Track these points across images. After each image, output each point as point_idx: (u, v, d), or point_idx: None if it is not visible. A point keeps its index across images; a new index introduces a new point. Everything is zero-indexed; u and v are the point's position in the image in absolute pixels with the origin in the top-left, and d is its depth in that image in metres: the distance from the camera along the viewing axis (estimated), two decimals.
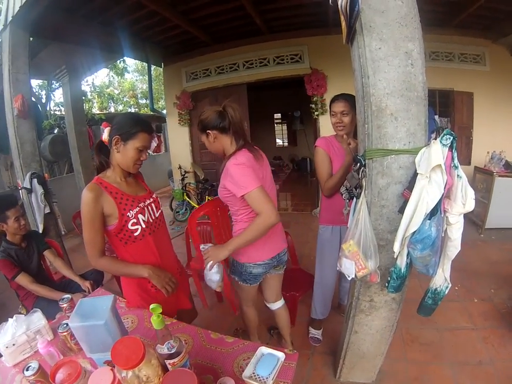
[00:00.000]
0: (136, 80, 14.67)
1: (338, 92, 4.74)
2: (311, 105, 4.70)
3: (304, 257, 3.22)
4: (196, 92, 5.26)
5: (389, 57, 1.13)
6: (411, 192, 1.14)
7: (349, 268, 1.27)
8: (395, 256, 1.20)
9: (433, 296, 1.26)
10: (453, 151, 1.11)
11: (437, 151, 1.10)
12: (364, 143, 1.25)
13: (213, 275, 1.33)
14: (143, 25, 4.07)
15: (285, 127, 10.03)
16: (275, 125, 10.01)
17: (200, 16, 4.00)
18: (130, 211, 1.19)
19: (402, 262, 1.20)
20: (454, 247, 1.16)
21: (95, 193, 1.13)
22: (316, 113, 4.65)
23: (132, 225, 1.19)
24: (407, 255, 1.19)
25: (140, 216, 1.22)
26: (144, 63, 5.98)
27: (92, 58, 4.70)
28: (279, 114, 9.89)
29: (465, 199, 1.10)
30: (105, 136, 1.23)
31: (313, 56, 4.63)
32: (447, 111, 4.80)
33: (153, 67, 5.84)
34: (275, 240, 1.48)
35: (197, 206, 4.97)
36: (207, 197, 4.98)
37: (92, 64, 5.07)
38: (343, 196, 1.40)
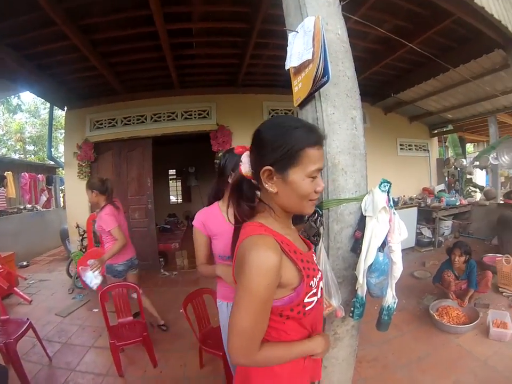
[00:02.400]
0: (26, 122, 12.67)
1: None
2: (215, 161, 4.90)
3: None
4: (99, 142, 4.96)
5: (340, 121, 1.44)
6: (362, 232, 1.41)
7: None
8: (357, 287, 1.42)
9: (387, 312, 1.51)
10: (389, 194, 1.45)
11: (380, 197, 1.41)
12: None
13: (97, 276, 2.53)
14: (55, 59, 3.79)
15: (179, 183, 10.16)
16: (169, 181, 10.08)
17: (119, 62, 4.01)
18: (314, 278, 0.87)
19: (363, 291, 1.42)
20: (398, 268, 1.44)
21: (278, 256, 0.76)
22: None
23: (309, 297, 0.85)
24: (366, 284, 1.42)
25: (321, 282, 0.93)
26: (40, 104, 5.39)
27: None
28: (174, 171, 10.02)
29: (400, 230, 1.43)
30: (245, 168, 0.88)
31: (220, 112, 5.04)
32: None
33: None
34: (128, 251, 2.81)
35: None
36: None
37: None
38: None
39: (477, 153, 7.23)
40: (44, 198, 7.60)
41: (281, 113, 5.43)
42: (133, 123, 4.96)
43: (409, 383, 2.03)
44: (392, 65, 4.47)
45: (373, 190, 1.45)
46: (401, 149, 6.57)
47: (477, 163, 5.92)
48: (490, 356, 2.26)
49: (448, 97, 5.47)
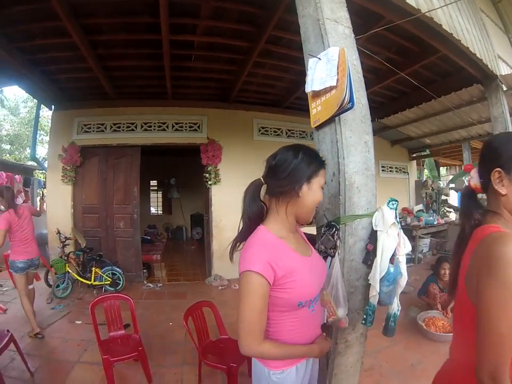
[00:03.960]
0: (4, 119, 11.92)
1: (233, 163, 5.71)
2: (204, 174, 5.08)
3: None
4: (86, 146, 4.89)
5: (356, 144, 1.60)
6: (373, 245, 1.57)
7: None
8: (370, 296, 1.55)
9: (393, 319, 1.66)
10: (396, 211, 1.62)
11: (389, 213, 1.57)
12: (333, 211, 1.62)
13: None
14: (50, 55, 3.71)
15: (160, 194, 10.17)
16: (151, 192, 10.00)
17: (116, 66, 4.02)
18: None
19: (375, 300, 1.56)
20: (404, 278, 1.60)
21: None
22: (209, 182, 5.05)
23: None
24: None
25: None
26: (21, 102, 5.20)
27: None
28: (155, 182, 10.00)
29: (405, 243, 1.60)
30: (474, 181, 0.97)
31: (211, 126, 5.16)
32: None
33: None
34: (31, 252, 3.15)
35: (80, 279, 4.38)
36: (94, 269, 4.39)
37: None
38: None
39: (450, 176, 7.83)
40: (20, 200, 7.18)
41: (271, 130, 5.65)
42: (123, 130, 4.95)
43: None
44: (379, 92, 4.86)
45: (382, 207, 1.62)
46: (382, 170, 7.01)
47: (453, 185, 6.42)
48: None
49: (428, 124, 5.97)
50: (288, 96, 5.18)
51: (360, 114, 1.65)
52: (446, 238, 6.14)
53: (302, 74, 4.32)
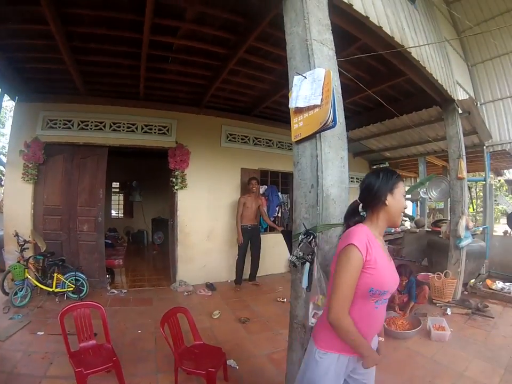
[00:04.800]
0: None
1: (200, 168, 5.83)
2: (171, 179, 5.09)
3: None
4: (51, 143, 4.64)
5: (333, 159, 1.76)
6: None
7: None
8: None
9: None
10: None
11: None
12: (310, 220, 1.75)
13: None
14: (19, 42, 3.48)
15: (121, 197, 9.90)
16: (112, 194, 9.62)
17: (90, 61, 3.88)
18: None
19: None
20: None
21: None
22: (176, 187, 5.06)
23: None
24: None
25: None
26: None
27: None
28: (117, 184, 9.71)
29: None
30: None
31: (180, 130, 5.18)
32: (287, 189, 6.46)
33: None
34: None
35: (40, 286, 4.11)
36: (56, 274, 4.15)
37: None
38: (296, 262, 1.73)
39: (407, 187, 8.44)
40: None
41: (238, 137, 5.79)
42: (91, 128, 4.77)
43: (376, 381, 2.33)
44: (346, 107, 5.02)
45: None
46: None
47: (409, 196, 6.96)
48: (435, 353, 2.83)
49: (389, 139, 6.47)
50: (259, 104, 5.34)
51: (338, 131, 1.81)
52: (402, 244, 6.63)
53: (274, 84, 4.57)
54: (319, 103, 1.69)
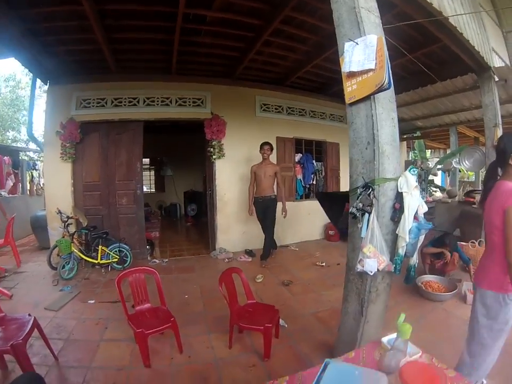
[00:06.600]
0: None
1: (237, 138, 6.03)
2: (209, 149, 5.33)
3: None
4: (86, 122, 4.93)
5: (386, 119, 1.96)
6: (400, 204, 1.95)
7: (372, 265, 1.86)
8: (399, 247, 1.94)
9: (413, 269, 2.10)
10: (416, 177, 2.01)
11: (411, 178, 1.96)
12: (368, 175, 1.97)
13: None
14: (52, 25, 3.64)
15: (152, 172, 10.44)
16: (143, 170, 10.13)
17: (122, 38, 4.03)
18: None
19: (403, 250, 1.95)
20: (422, 234, 2.01)
21: None
22: (213, 157, 5.31)
23: None
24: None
25: None
26: (2, 81, 5.09)
27: None
28: (148, 160, 10.16)
29: (423, 205, 1.99)
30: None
31: (215, 102, 5.37)
32: (321, 157, 6.67)
33: None
34: None
35: (86, 258, 4.51)
36: (101, 247, 4.54)
37: None
38: (356, 214, 1.97)
39: (434, 158, 8.51)
40: (10, 183, 7.10)
41: (272, 107, 5.94)
42: (125, 105, 5.02)
43: (415, 338, 2.58)
44: None
45: (405, 173, 2.01)
46: None
47: (441, 166, 7.05)
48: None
49: (421, 107, 6.48)
50: (291, 75, 5.47)
51: (389, 94, 2.01)
52: (433, 214, 6.76)
53: (307, 54, 4.67)
54: (373, 67, 1.88)
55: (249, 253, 5.30)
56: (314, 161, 6.56)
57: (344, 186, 6.42)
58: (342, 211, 3.17)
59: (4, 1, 3.17)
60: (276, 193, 4.91)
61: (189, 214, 9.06)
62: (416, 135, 8.41)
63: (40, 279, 4.30)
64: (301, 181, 6.42)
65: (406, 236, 1.90)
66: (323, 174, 6.68)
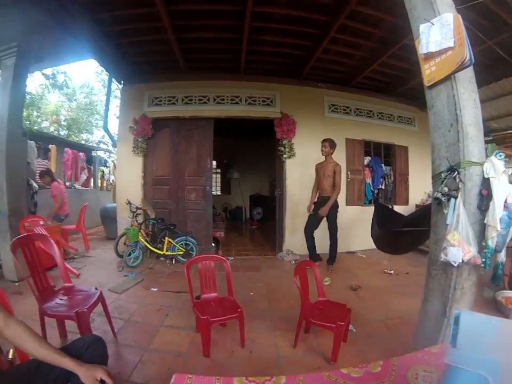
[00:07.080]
0: (62, 106, 13.15)
1: (306, 138, 5.90)
2: (279, 148, 5.37)
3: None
4: (157, 119, 5.30)
5: (468, 100, 1.87)
6: (488, 191, 1.81)
7: (456, 254, 1.74)
8: (488, 239, 1.79)
9: (501, 266, 1.94)
10: (504, 162, 1.86)
11: (498, 163, 1.83)
12: (452, 158, 1.89)
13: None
14: (126, 27, 3.95)
15: (218, 175, 10.78)
16: None
17: (191, 38, 4.22)
18: None
19: (493, 242, 1.80)
20: None
21: None
22: (284, 156, 5.34)
23: None
24: None
25: None
26: (78, 87, 5.83)
27: (54, 44, 4.15)
28: (214, 162, 10.47)
29: (511, 194, 1.81)
30: None
31: (284, 102, 5.45)
32: (389, 161, 6.38)
33: None
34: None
35: (152, 248, 4.76)
36: (167, 238, 4.77)
37: (53, 53, 4.48)
38: (442, 198, 1.88)
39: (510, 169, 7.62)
40: (83, 177, 8.12)
41: (341, 108, 5.90)
42: (195, 103, 5.29)
43: None
44: None
45: (491, 157, 1.88)
46: None
47: None
48: None
49: (495, 105, 5.89)
50: (357, 74, 5.38)
51: (469, 75, 1.92)
52: None
53: (372, 51, 4.57)
54: (453, 45, 1.82)
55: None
56: (383, 164, 6.33)
57: (414, 193, 6.13)
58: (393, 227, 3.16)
59: (84, 6, 3.50)
60: None
61: (254, 218, 9.21)
62: (488, 138, 7.66)
63: (106, 264, 4.66)
64: (369, 184, 6.22)
65: (497, 224, 1.76)
66: (392, 178, 6.41)
